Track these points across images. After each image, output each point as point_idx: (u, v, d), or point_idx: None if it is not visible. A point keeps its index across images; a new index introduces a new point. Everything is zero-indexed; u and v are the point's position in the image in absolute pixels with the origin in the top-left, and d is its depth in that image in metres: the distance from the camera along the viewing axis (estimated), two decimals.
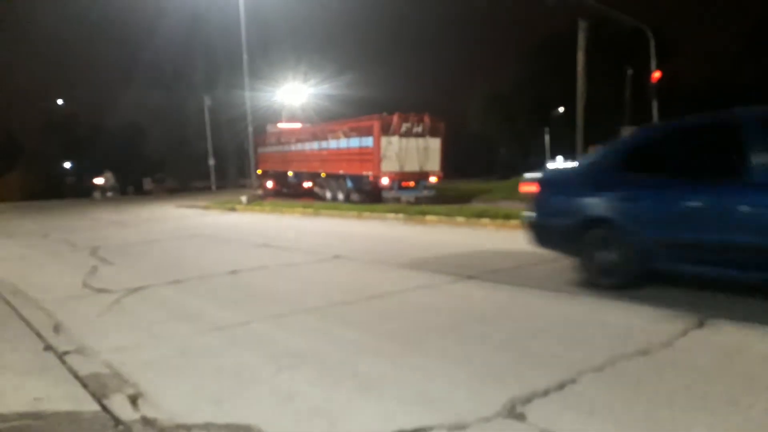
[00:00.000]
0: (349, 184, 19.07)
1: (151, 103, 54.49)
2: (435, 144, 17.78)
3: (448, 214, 11.84)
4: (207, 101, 41.46)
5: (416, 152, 17.45)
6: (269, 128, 27.45)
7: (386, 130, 17.14)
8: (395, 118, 17.28)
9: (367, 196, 18.07)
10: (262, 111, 38.25)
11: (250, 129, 23.30)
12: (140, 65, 49.26)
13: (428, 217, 12.06)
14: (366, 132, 17.73)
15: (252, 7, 23.47)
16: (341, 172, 19.28)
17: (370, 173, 17.55)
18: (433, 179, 17.87)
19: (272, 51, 45.09)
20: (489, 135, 61.90)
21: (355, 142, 18.31)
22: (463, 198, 17.85)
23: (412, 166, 17.41)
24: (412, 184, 17.58)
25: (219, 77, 44.90)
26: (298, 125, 25.48)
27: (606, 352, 3.45)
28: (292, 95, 43.69)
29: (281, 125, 26.68)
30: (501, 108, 58.66)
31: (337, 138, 19.42)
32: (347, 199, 18.89)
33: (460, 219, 11.35)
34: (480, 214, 11.26)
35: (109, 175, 42.74)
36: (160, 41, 46.65)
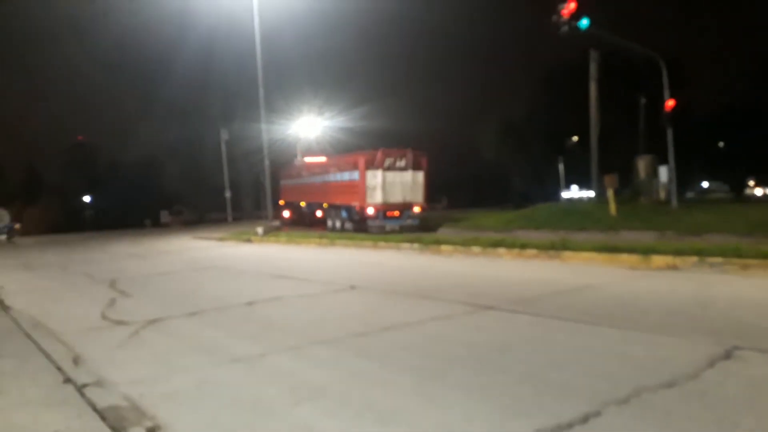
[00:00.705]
0: (344, 213, 20.37)
1: (168, 137, 55.65)
2: (418, 177, 18.98)
3: (464, 244, 11.79)
4: (224, 135, 42.18)
5: (400, 185, 18.71)
6: (296, 162, 28.97)
7: (370, 165, 18.53)
8: (379, 154, 18.63)
9: (357, 225, 19.30)
10: (277, 144, 38.82)
11: (266, 162, 23.62)
12: (158, 100, 50.59)
13: (444, 247, 12.02)
14: (353, 166, 19.26)
15: (268, 42, 24.06)
16: (338, 202, 20.72)
17: (357, 204, 18.96)
18: (416, 209, 18.96)
19: (288, 84, 46.05)
20: (502, 164, 61.99)
21: (346, 176, 19.86)
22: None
23: (396, 198, 18.63)
24: (397, 213, 18.69)
25: (235, 111, 45.80)
26: (322, 159, 26.44)
27: (630, 384, 3.37)
28: (307, 128, 44.34)
29: (307, 159, 27.67)
30: (514, 137, 58.87)
31: (334, 172, 20.99)
32: (342, 228, 20.29)
33: (476, 249, 11.29)
34: (496, 244, 11.20)
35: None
36: (177, 77, 47.97)
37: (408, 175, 18.81)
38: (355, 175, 18.95)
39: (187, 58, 46.11)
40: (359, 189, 18.65)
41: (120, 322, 6.11)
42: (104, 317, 6.47)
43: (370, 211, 18.52)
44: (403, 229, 18.25)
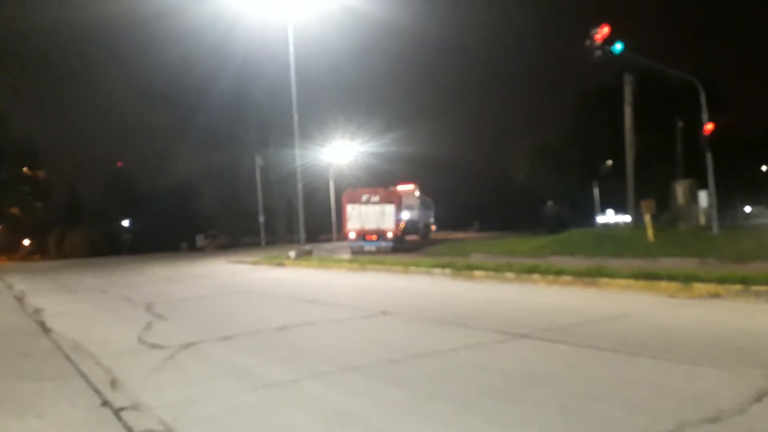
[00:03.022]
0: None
1: (204, 163, 57.07)
2: (389, 209, 23.89)
3: (496, 270, 11.65)
4: (258, 160, 43.03)
5: (374, 215, 23.74)
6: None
7: (352, 200, 24.33)
8: (357, 192, 24.91)
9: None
10: (310, 169, 39.36)
11: (300, 186, 23.99)
12: (195, 127, 51.93)
13: (476, 272, 11.90)
14: (342, 202, 25.12)
15: (301, 70, 24.62)
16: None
17: (345, 230, 24.98)
18: (390, 235, 23.79)
19: (320, 111, 46.83)
20: (536, 188, 61.37)
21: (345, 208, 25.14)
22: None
23: (371, 225, 23.74)
24: (374, 237, 23.74)
25: (269, 137, 46.76)
26: (410, 186, 33.04)
27: (672, 419, 3.25)
28: (340, 154, 44.89)
29: (400, 187, 32.47)
30: (548, 160, 58.32)
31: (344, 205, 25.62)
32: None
33: (509, 275, 11.14)
34: (530, 270, 11.02)
35: None
36: (213, 104, 49.24)
37: (379, 208, 23.80)
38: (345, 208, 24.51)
39: (224, 86, 47.38)
40: (344, 219, 24.39)
41: (156, 346, 6.21)
42: (141, 341, 6.60)
43: (352, 235, 24.04)
44: (378, 250, 23.27)
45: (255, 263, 21.36)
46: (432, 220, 37.22)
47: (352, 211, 24.16)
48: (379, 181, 47.03)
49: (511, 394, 3.94)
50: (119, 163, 67.35)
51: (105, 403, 4.16)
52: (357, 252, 23.26)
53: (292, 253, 20.97)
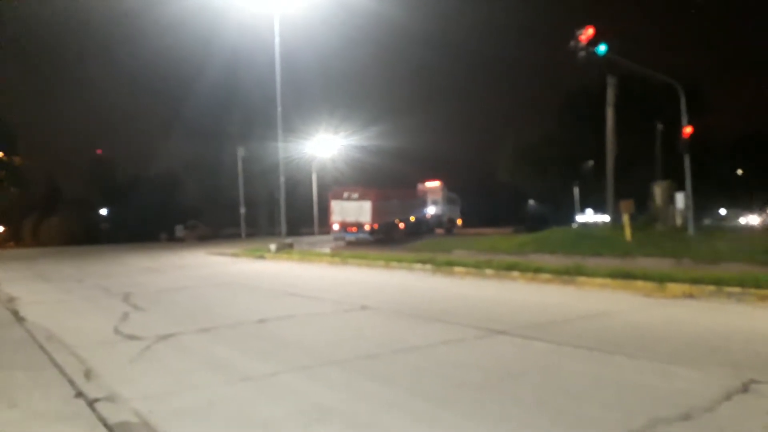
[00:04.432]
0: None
1: (187, 154, 56.40)
2: (366, 205, 26.64)
3: (477, 266, 11.73)
4: (241, 152, 42.65)
5: (353, 210, 26.77)
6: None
7: (336, 197, 27.58)
8: (340, 190, 28.24)
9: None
10: (294, 162, 39.14)
11: (282, 179, 23.84)
12: (179, 118, 51.36)
13: (457, 269, 11.96)
14: (328, 198, 28.66)
15: (287, 63, 24.43)
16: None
17: (330, 222, 28.05)
18: (367, 227, 26.51)
19: (305, 105, 46.59)
20: (519, 186, 61.78)
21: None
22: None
23: (351, 219, 26.77)
24: (354, 229, 26.70)
25: (253, 130, 46.38)
26: (437, 183, 36.36)
27: (645, 416, 3.31)
28: (323, 147, 44.70)
29: (427, 184, 36.09)
30: (531, 159, 58.70)
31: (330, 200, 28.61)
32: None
33: (489, 271, 11.22)
34: (510, 267, 11.12)
35: None
36: (198, 96, 48.78)
37: (358, 204, 26.71)
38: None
39: (209, 78, 46.96)
40: (330, 213, 27.68)
41: (133, 337, 6.14)
42: (117, 331, 6.52)
43: (335, 227, 27.32)
44: (358, 240, 26.52)
45: (235, 255, 21.21)
46: (458, 215, 39.26)
47: (335, 206, 27.30)
48: (362, 175, 47.06)
49: (489, 390, 3.97)
50: (98, 151, 66.24)
51: (79, 394, 4.10)
52: (339, 240, 27.35)
53: (272, 246, 20.86)
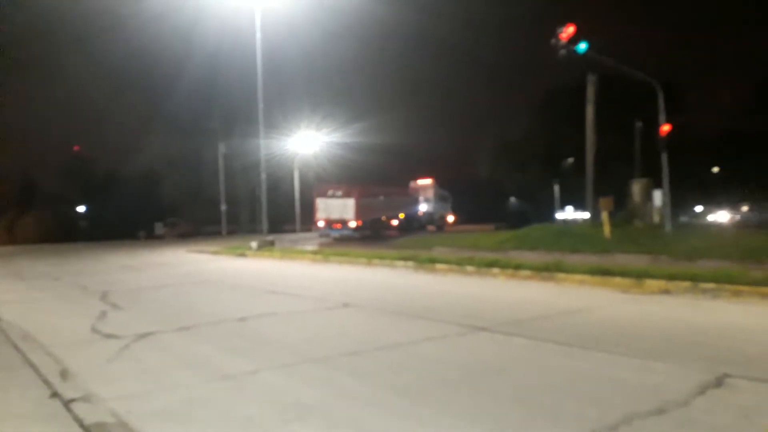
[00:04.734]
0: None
1: (168, 150, 55.70)
2: (350, 202, 27.21)
3: (458, 263, 11.79)
4: (222, 149, 42.28)
5: (338, 207, 27.31)
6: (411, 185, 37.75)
7: (320, 194, 28.18)
8: (324, 188, 28.82)
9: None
10: (275, 159, 38.92)
11: (263, 176, 23.69)
12: (159, 114, 50.73)
13: (438, 266, 12.01)
14: (313, 195, 29.05)
15: (269, 59, 24.28)
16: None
17: (315, 219, 28.70)
18: (351, 224, 27.07)
19: (287, 101, 46.23)
20: (499, 183, 62.18)
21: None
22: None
23: (335, 216, 27.37)
24: (339, 226, 27.30)
25: (234, 126, 45.94)
26: (429, 181, 37.20)
27: (620, 410, 3.36)
28: (306, 143, 44.50)
29: (420, 182, 37.21)
30: (512, 157, 59.13)
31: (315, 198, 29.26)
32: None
33: (470, 268, 11.29)
34: (491, 264, 11.20)
35: None
36: (179, 91, 48.10)
37: (342, 201, 27.31)
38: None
39: (189, 73, 46.24)
40: (315, 210, 28.22)
41: (110, 336, 6.07)
42: (94, 330, 6.43)
43: (320, 224, 28.02)
44: (342, 237, 27.08)
45: (216, 253, 21.04)
46: (449, 212, 40.06)
47: (320, 203, 27.95)
48: (345, 172, 46.98)
49: (469, 386, 4.00)
50: (76, 147, 65.06)
51: (55, 395, 4.04)
52: (325, 236, 28.11)
53: (254, 244, 20.73)
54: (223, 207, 42.40)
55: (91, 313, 7.62)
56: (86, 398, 3.93)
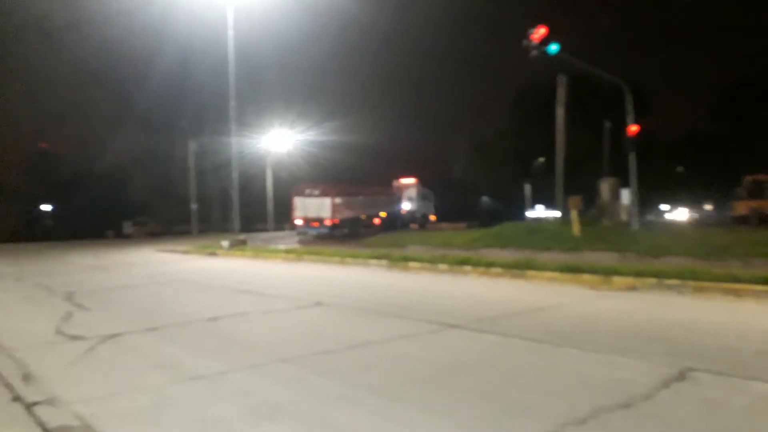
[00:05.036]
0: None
1: (137, 148, 54.61)
2: (327, 201, 27.74)
3: (431, 261, 11.85)
4: (192, 146, 41.64)
5: (315, 206, 27.71)
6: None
7: (298, 193, 28.45)
8: (302, 187, 29.09)
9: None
10: (248, 157, 38.52)
11: (235, 174, 23.42)
12: (129, 110, 49.62)
13: (411, 264, 12.06)
14: (291, 194, 29.27)
15: (242, 56, 24.00)
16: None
17: (293, 218, 29.04)
18: (327, 222, 27.54)
19: (260, 98, 45.83)
20: (472, 181, 62.68)
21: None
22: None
23: (312, 214, 27.79)
24: (316, 224, 27.68)
25: (206, 124, 45.30)
26: (412, 180, 38.15)
27: (588, 405, 3.43)
28: (279, 142, 44.14)
29: (403, 181, 38.08)
30: (484, 156, 59.67)
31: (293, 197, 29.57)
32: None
33: (442, 266, 11.36)
34: (463, 262, 11.29)
35: None
36: (149, 88, 47.20)
37: (319, 200, 27.74)
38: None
39: (160, 70, 45.37)
40: (293, 209, 28.53)
41: (76, 337, 5.92)
42: (59, 332, 6.26)
43: (298, 222, 28.31)
44: (320, 235, 27.37)
45: (186, 252, 20.72)
46: (432, 211, 41.02)
47: (298, 202, 28.34)
48: (320, 170, 46.76)
49: (440, 383, 4.03)
50: (42, 144, 63.19)
51: (17, 398, 3.92)
52: (302, 234, 28.51)
53: (225, 243, 20.47)
54: (194, 206, 41.76)
55: (55, 314, 7.42)
56: (50, 401, 3.82)
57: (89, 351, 5.29)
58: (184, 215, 45.69)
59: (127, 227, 47.99)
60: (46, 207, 54.73)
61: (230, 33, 21.94)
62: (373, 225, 32.58)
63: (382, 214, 33.87)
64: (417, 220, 37.75)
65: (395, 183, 38.12)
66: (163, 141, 51.06)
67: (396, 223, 34.84)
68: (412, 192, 37.85)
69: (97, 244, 32.19)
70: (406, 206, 37.19)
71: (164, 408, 3.66)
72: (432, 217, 40.77)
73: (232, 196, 24.10)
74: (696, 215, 46.51)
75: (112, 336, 5.89)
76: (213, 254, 19.03)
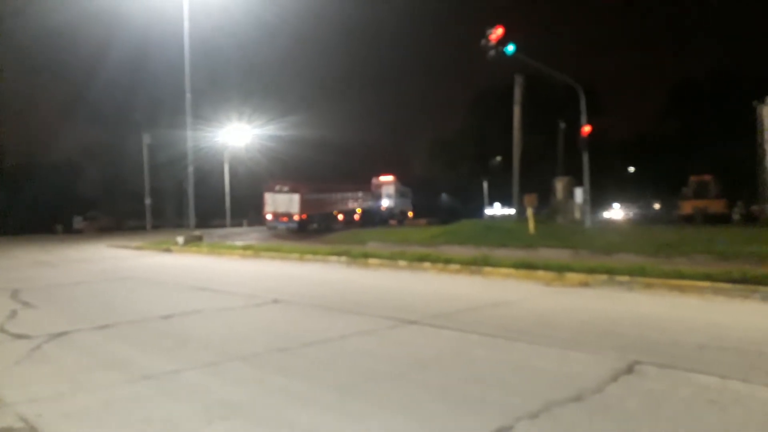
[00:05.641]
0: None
1: (88, 139, 52.77)
2: (295, 197, 28.76)
3: (391, 258, 11.90)
4: (146, 139, 40.50)
5: (284, 202, 28.79)
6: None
7: (269, 190, 29.55)
8: (272, 183, 30.22)
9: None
10: (204, 151, 37.73)
11: (191, 169, 22.90)
12: (79, 101, 47.83)
13: (371, 260, 12.07)
14: (263, 190, 30.42)
15: (198, 49, 23.45)
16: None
17: (264, 213, 30.24)
18: (296, 218, 28.63)
19: (217, 92, 44.94)
20: (432, 179, 63.19)
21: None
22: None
23: (282, 210, 28.89)
24: (285, 219, 28.76)
25: (160, 116, 44.11)
26: (390, 177, 39.52)
27: (541, 399, 3.51)
28: (236, 136, 43.39)
29: (382, 178, 39.42)
30: (444, 154, 60.30)
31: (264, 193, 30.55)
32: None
33: (402, 263, 11.42)
34: (422, 258, 11.38)
35: None
36: (101, 78, 45.60)
37: (288, 196, 28.74)
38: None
39: (113, 60, 43.84)
40: (264, 204, 29.63)
41: (21, 336, 5.68)
42: (3, 330, 5.99)
43: (269, 216, 29.46)
44: (288, 229, 28.39)
45: (139, 248, 20.15)
46: (410, 207, 42.50)
47: (268, 198, 29.40)
48: (278, 165, 46.17)
49: (398, 379, 4.05)
50: None
51: None
52: (272, 228, 29.57)
53: (180, 239, 20.00)
54: (148, 201, 40.63)
55: None
56: None
57: (35, 350, 5.09)
58: (137, 210, 44.39)
59: (78, 222, 46.27)
60: None
61: (186, 25, 21.41)
62: (348, 221, 33.48)
63: (359, 210, 35.11)
64: (395, 216, 39.04)
65: (374, 180, 39.29)
66: (116, 133, 49.52)
67: (375, 218, 35.92)
68: (391, 189, 39.18)
69: (45, 240, 30.92)
70: (384, 203, 38.59)
71: (113, 408, 3.56)
72: (410, 214, 42.25)
73: (188, 191, 23.56)
74: (630, 213, 48.26)
75: (60, 334, 5.68)
76: (167, 250, 18.58)
